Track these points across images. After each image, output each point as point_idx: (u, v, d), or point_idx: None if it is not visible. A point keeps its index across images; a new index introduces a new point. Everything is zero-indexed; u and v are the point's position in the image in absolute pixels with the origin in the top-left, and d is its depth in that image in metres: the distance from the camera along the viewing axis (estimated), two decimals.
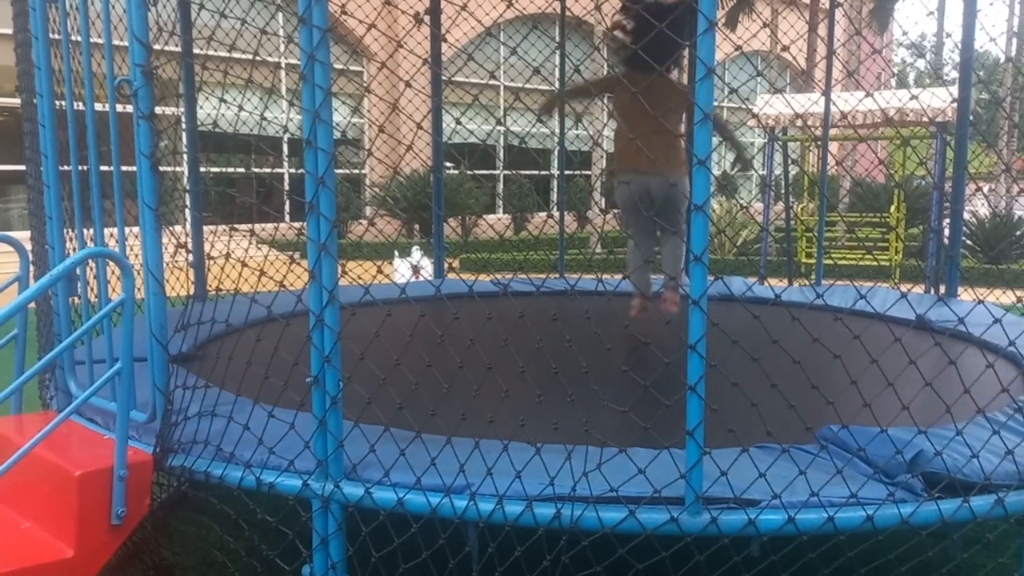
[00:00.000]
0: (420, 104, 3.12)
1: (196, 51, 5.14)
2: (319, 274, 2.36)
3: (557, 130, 7.25)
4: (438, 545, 2.32)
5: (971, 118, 6.02)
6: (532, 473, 2.29)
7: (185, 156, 5.25)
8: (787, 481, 2.24)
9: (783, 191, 11.19)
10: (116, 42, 2.77)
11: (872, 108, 9.95)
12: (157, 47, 2.68)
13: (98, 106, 2.87)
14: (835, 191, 16.51)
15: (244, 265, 2.53)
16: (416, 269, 10.61)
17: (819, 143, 9.69)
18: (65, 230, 3.12)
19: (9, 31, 3.78)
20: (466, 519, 2.31)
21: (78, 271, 3.03)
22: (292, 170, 16.38)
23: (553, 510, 2.22)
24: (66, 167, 3.05)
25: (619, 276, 4.11)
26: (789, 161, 11.20)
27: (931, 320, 4.15)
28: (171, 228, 2.80)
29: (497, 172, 20.35)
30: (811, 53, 18.60)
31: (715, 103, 2.12)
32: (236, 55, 2.78)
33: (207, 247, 5.24)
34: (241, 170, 15.32)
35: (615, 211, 4.13)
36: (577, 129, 19.51)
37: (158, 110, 2.65)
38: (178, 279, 3.45)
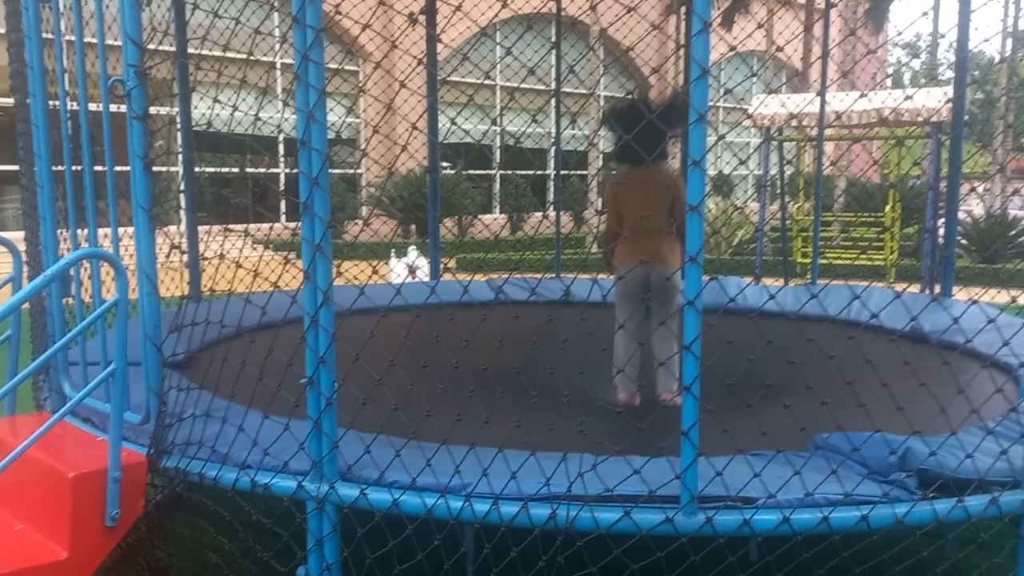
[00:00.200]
0: (416, 104, 3.12)
1: (190, 51, 5.14)
2: (314, 274, 2.35)
3: (553, 130, 7.25)
4: (433, 546, 2.32)
5: (966, 118, 6.02)
6: (528, 474, 2.29)
7: (180, 156, 5.24)
8: (782, 481, 2.24)
9: (779, 191, 11.20)
10: (110, 42, 2.76)
11: (867, 108, 9.97)
12: (151, 47, 2.67)
13: (92, 106, 2.86)
14: (831, 191, 16.52)
15: (239, 266, 2.52)
16: (412, 269, 10.60)
17: (814, 143, 9.69)
18: (59, 231, 3.11)
19: (2, 30, 3.77)
20: (462, 520, 2.31)
21: (72, 272, 3.01)
22: (288, 170, 16.36)
23: (549, 510, 2.21)
24: (60, 167, 3.03)
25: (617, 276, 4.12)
26: (784, 161, 11.21)
27: (928, 333, 4.22)
28: (165, 229, 2.79)
29: (493, 172, 20.35)
30: (807, 53, 18.62)
31: (710, 103, 2.12)
32: (230, 55, 2.77)
33: (202, 247, 5.22)
34: (236, 170, 15.28)
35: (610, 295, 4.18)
36: (573, 129, 19.55)
37: (153, 110, 2.64)
38: (172, 280, 3.44)
